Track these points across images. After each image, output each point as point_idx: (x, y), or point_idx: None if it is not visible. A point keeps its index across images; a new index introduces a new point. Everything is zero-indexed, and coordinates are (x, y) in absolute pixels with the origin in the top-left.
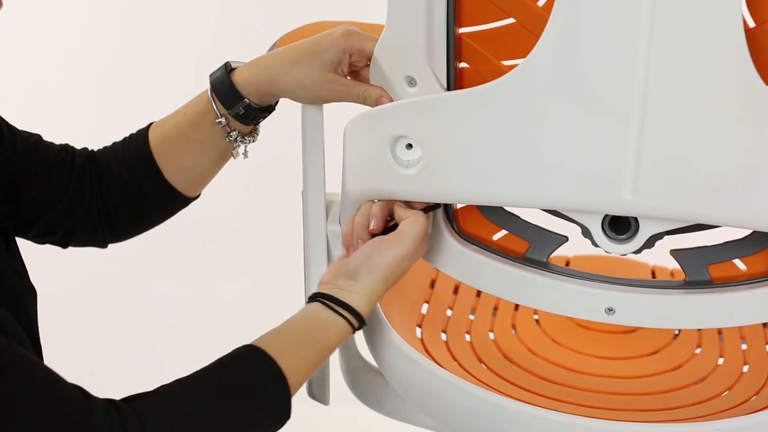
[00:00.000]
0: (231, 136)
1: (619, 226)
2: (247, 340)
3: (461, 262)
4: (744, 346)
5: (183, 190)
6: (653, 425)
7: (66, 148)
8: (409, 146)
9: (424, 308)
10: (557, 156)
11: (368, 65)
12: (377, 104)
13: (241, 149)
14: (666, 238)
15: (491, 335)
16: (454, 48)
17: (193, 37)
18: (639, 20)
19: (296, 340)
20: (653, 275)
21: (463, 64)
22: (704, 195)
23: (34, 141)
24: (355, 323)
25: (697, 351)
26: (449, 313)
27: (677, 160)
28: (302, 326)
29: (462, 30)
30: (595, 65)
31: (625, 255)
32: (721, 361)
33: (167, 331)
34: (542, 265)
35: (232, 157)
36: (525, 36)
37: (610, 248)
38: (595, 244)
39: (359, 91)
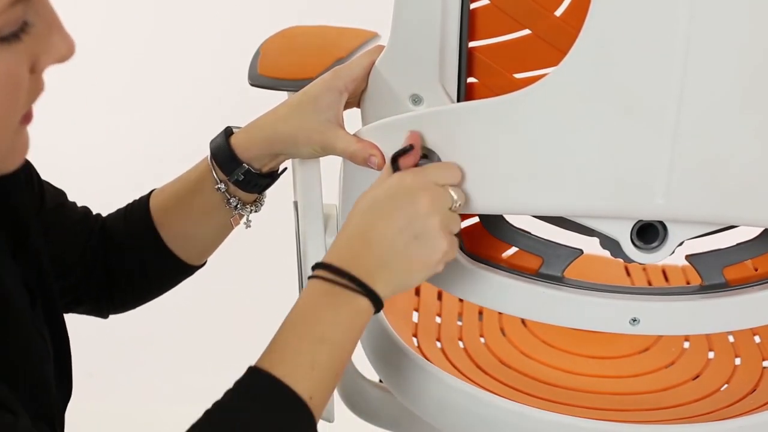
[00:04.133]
0: (231, 203)
1: (648, 234)
2: (246, 341)
3: (475, 283)
4: (731, 338)
5: (185, 258)
6: (657, 426)
7: (86, 215)
8: (424, 157)
9: (415, 316)
10: (589, 162)
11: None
12: (365, 164)
13: (243, 218)
14: None
15: (482, 340)
16: (466, 63)
17: (192, 35)
18: (677, 23)
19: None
20: (664, 275)
21: (471, 79)
22: (737, 197)
23: (60, 200)
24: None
25: (686, 345)
26: (438, 320)
27: (710, 163)
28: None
29: (473, 44)
30: (631, 68)
31: (654, 263)
32: (711, 354)
33: (166, 332)
34: (558, 280)
35: (233, 226)
36: (540, 47)
37: (640, 258)
38: (616, 255)
39: (349, 144)
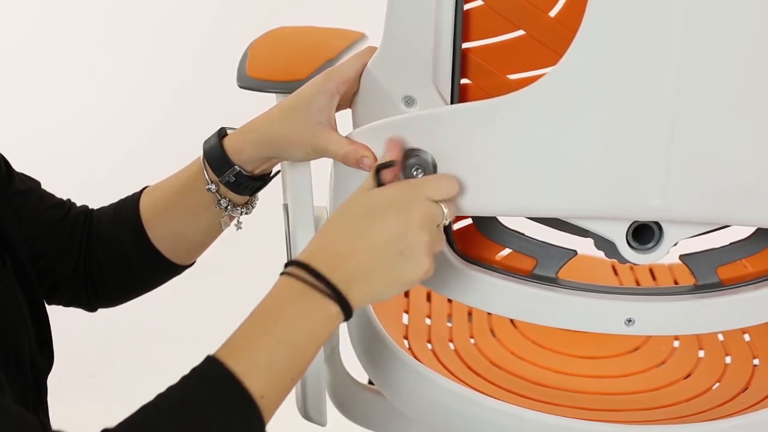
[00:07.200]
0: (221, 205)
1: (643, 235)
2: None
3: (468, 285)
4: (721, 337)
5: (171, 257)
6: (650, 426)
7: (63, 203)
8: (416, 156)
9: (405, 318)
10: (585, 164)
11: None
12: (357, 166)
13: (234, 220)
14: None
15: (472, 341)
16: (460, 64)
17: (191, 32)
18: (673, 24)
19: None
20: (651, 274)
21: (465, 81)
22: (733, 197)
23: (32, 185)
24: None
25: (676, 344)
26: (428, 321)
27: (706, 163)
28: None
29: (467, 45)
30: (627, 70)
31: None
32: (701, 353)
33: (166, 332)
34: (552, 281)
35: (223, 227)
36: (534, 48)
37: (635, 258)
38: (611, 256)
39: (341, 146)
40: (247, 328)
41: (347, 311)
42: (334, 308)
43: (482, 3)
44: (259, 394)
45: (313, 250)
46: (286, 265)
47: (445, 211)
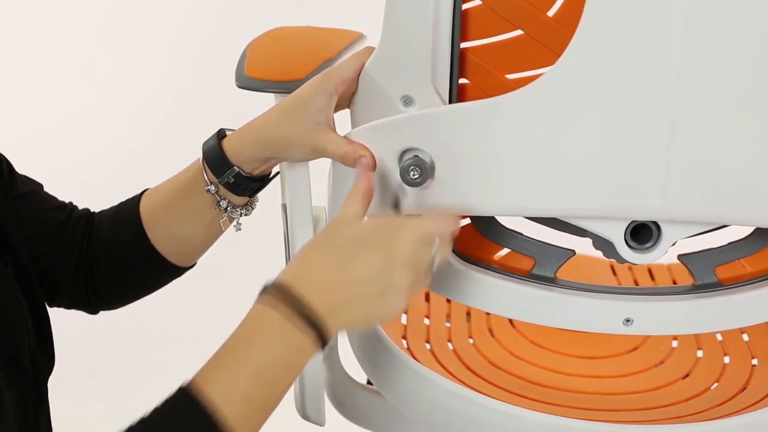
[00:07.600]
0: (220, 206)
1: (641, 235)
2: None
3: (467, 285)
4: (719, 337)
5: (171, 259)
6: (648, 426)
7: (65, 205)
8: (416, 158)
9: (403, 318)
10: (584, 164)
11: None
12: (356, 165)
13: (234, 221)
14: None
15: (471, 341)
16: (458, 64)
17: (191, 32)
18: (673, 23)
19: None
20: (650, 274)
21: (463, 80)
22: (732, 197)
23: (34, 188)
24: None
25: (674, 344)
26: (427, 321)
27: (706, 163)
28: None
29: (465, 45)
30: (627, 69)
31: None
32: (700, 353)
33: (166, 333)
34: (551, 281)
35: (223, 228)
36: (533, 48)
37: (633, 258)
38: (609, 256)
39: (339, 146)
40: (223, 357)
41: (323, 342)
42: (311, 339)
43: (480, 2)
44: (234, 425)
45: (295, 274)
46: (265, 289)
47: (435, 256)
